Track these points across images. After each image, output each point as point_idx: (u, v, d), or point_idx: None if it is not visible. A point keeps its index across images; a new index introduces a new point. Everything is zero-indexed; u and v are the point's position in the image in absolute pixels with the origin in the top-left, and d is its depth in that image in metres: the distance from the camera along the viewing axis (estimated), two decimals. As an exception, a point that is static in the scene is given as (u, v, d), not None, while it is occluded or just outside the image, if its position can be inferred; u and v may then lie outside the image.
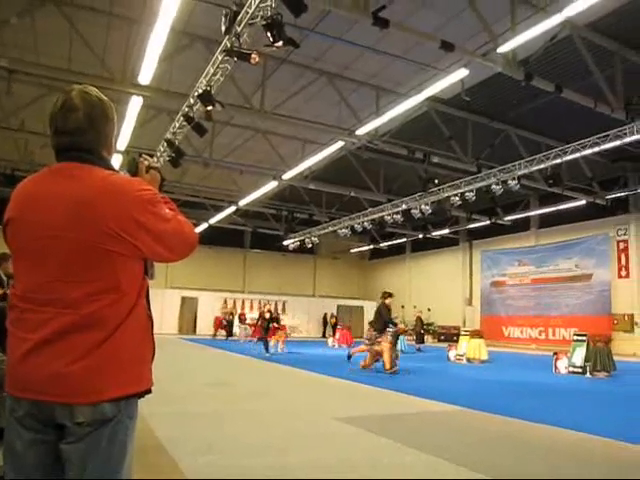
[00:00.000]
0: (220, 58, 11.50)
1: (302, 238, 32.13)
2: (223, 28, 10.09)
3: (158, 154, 17.21)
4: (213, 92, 12.65)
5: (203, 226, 29.32)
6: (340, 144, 17.59)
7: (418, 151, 18.84)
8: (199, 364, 16.37)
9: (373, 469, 5.03)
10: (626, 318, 24.32)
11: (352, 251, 39.66)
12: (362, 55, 14.68)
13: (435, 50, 11.78)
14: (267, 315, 19.54)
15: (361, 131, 16.36)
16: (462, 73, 12.60)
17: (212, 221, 29.46)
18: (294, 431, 6.73)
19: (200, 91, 12.64)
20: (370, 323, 14.48)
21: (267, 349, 18.86)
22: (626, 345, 23.64)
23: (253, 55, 10.42)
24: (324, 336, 34.68)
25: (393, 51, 14.21)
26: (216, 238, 33.11)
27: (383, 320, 13.80)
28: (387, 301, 14.12)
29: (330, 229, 29.61)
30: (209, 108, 12.89)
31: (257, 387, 11.07)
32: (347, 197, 25.68)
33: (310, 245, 32.34)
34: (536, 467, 5.28)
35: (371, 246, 37.00)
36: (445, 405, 8.84)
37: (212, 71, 12.12)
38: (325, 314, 37.75)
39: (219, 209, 28.25)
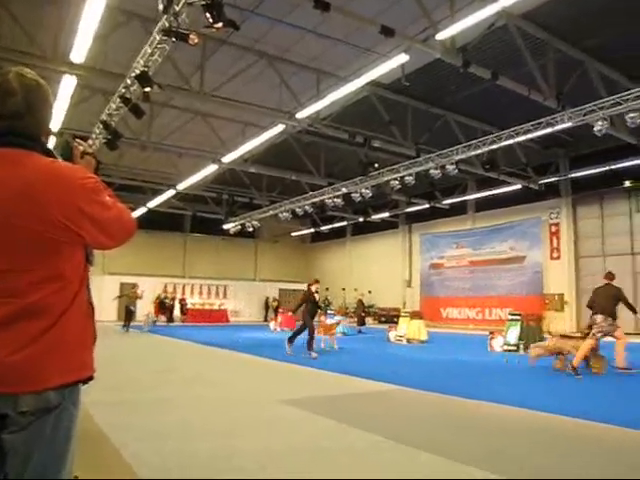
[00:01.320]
0: (158, 38, 11.17)
1: (243, 222, 31.87)
2: (161, 7, 9.79)
3: (94, 136, 16.65)
4: (151, 73, 12.32)
5: (141, 210, 28.69)
6: (281, 127, 17.47)
7: (359, 135, 18.95)
8: (139, 351, 16.11)
9: (320, 452, 5.08)
10: (557, 298, 25.43)
11: (293, 235, 39.71)
12: (303, 38, 14.58)
13: (376, 35, 11.80)
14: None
15: (302, 114, 16.30)
16: (402, 58, 12.70)
17: (151, 205, 28.83)
18: (239, 415, 6.73)
19: (137, 72, 12.30)
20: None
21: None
22: (557, 323, 24.66)
23: (192, 36, 10.21)
24: (266, 320, 34.66)
25: (334, 35, 14.18)
26: (155, 222, 32.37)
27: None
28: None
29: (271, 213, 29.46)
30: (147, 89, 12.55)
31: (201, 372, 10.97)
32: (288, 181, 25.66)
33: (251, 229, 32.14)
34: (474, 441, 5.46)
35: (312, 230, 37.12)
36: (386, 385, 9.03)
37: (150, 51, 11.78)
38: (267, 298, 37.76)
39: (158, 193, 27.62)
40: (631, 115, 14.39)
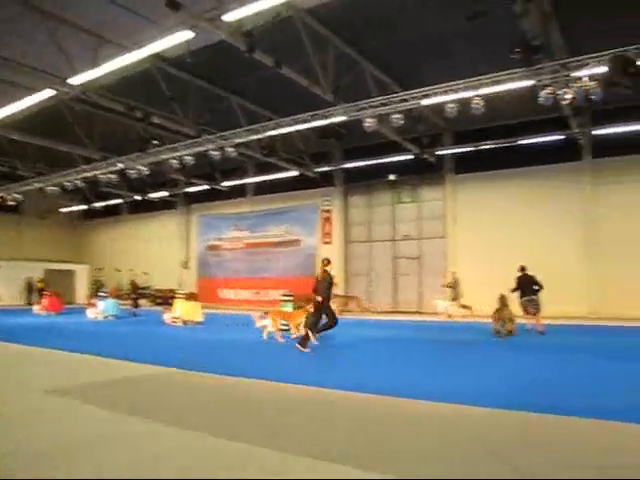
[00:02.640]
0: None
1: (2, 195, 28.59)
2: None
3: None
4: None
5: None
6: (50, 92, 15.95)
7: (138, 109, 18.13)
8: None
9: (92, 444, 4.74)
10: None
11: (62, 211, 36.75)
12: None
13: (162, 7, 11.35)
14: None
15: (75, 80, 15.07)
16: (187, 35, 12.40)
17: None
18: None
19: None
20: None
21: None
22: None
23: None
24: (30, 304, 31.49)
25: (119, 1, 13.25)
26: None
27: None
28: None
29: (36, 186, 26.84)
30: None
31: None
32: (57, 151, 23.55)
33: (13, 203, 29.02)
34: (249, 418, 5.56)
35: (84, 206, 34.73)
36: (157, 368, 8.84)
37: None
38: (30, 279, 34.29)
39: None
40: (395, 116, 15.84)
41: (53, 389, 7.03)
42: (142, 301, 28.73)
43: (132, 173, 22.52)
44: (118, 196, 32.51)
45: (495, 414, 5.74)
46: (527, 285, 14.47)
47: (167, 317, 19.03)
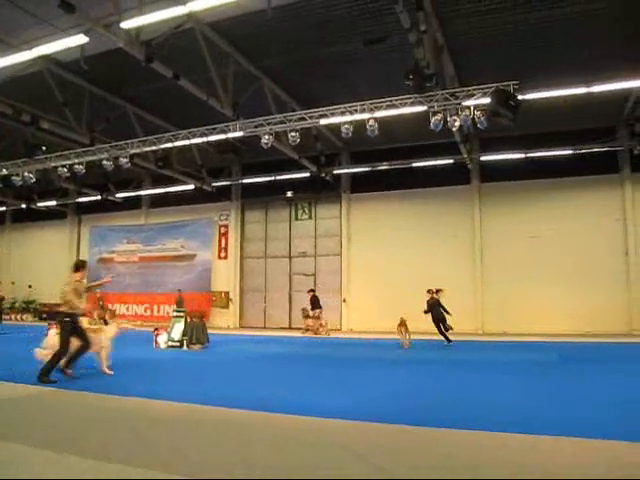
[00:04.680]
0: None
1: None
2: None
3: None
4: None
5: None
6: None
7: (26, 113, 17.27)
8: None
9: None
10: (223, 295, 26.89)
11: None
12: None
13: (55, 7, 10.92)
14: None
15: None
16: (81, 39, 12.08)
17: None
18: None
19: None
20: None
21: None
22: (222, 319, 26.11)
23: None
24: None
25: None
26: None
27: None
28: None
29: None
30: None
31: None
32: None
33: None
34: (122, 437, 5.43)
35: (-38, 213, 32.44)
36: (32, 387, 8.40)
37: None
38: None
39: None
40: (292, 134, 16.10)
41: None
42: (26, 316, 27.06)
43: (17, 180, 21.28)
44: (1, 203, 30.57)
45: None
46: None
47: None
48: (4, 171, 21.49)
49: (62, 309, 9.49)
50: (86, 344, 9.53)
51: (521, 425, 5.79)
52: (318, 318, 21.83)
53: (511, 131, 18.54)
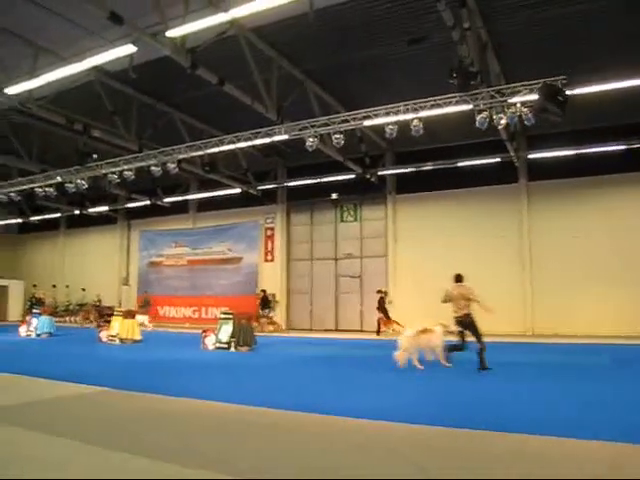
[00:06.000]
0: None
1: None
2: None
3: None
4: None
5: None
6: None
7: (78, 122, 17.82)
8: None
9: (12, 463, 4.63)
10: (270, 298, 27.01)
11: (-4, 224, 35.40)
12: (19, 4, 12.79)
13: (103, 19, 11.26)
14: None
15: (12, 91, 14.75)
16: (130, 49, 12.38)
17: None
18: None
19: None
20: None
21: None
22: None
23: None
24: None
25: (58, 9, 12.99)
26: None
27: None
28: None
29: (-32, 197, 25.83)
30: None
31: None
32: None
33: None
34: (174, 439, 5.53)
35: (19, 220, 33.61)
36: (91, 387, 8.61)
37: None
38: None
39: None
40: (336, 136, 16.12)
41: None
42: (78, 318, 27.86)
43: (70, 187, 21.96)
44: (56, 210, 31.61)
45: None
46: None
47: (103, 335, 18.57)
48: (58, 179, 22.21)
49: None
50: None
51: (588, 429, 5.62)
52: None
53: (560, 127, 18.11)
